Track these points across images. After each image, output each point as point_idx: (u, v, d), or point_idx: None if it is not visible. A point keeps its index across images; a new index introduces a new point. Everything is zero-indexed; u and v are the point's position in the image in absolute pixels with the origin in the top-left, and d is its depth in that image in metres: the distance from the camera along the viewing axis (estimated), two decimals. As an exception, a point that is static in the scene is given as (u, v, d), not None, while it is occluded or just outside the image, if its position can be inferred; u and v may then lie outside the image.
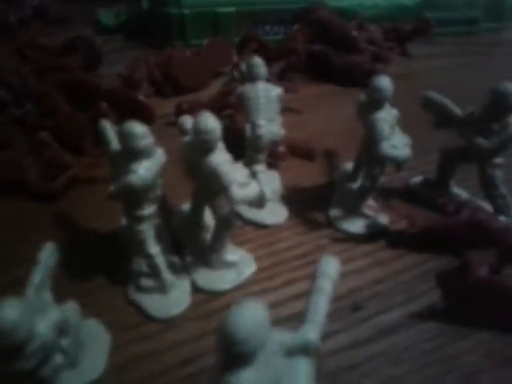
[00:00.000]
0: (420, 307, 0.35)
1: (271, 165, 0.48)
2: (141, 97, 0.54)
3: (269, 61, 0.64)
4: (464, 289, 0.33)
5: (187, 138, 0.33)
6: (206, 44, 0.64)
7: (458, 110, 0.40)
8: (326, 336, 0.32)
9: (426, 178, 0.46)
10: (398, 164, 0.38)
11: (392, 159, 0.37)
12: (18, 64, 0.59)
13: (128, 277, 0.36)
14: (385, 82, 0.36)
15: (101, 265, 0.37)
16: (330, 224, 0.42)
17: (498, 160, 0.39)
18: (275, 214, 0.43)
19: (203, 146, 0.31)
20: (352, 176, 0.45)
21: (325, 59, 0.64)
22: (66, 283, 0.35)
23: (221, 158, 0.31)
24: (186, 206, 0.41)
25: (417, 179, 0.47)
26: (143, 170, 0.30)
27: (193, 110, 0.53)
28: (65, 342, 0.26)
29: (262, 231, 0.41)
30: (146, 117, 0.53)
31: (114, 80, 0.59)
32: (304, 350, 0.23)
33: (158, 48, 0.68)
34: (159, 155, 0.32)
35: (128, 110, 0.55)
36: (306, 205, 0.44)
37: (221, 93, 0.53)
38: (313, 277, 0.27)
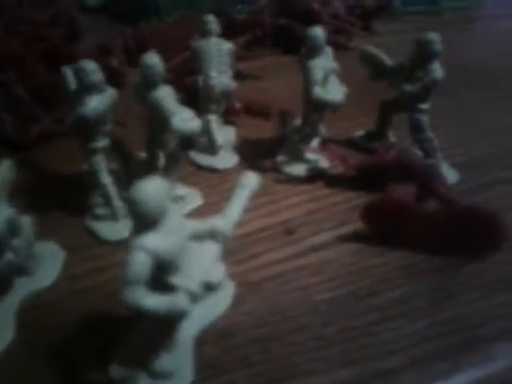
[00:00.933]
0: (346, 232, 0.39)
1: (228, 121, 0.52)
2: (113, 62, 0.58)
3: (237, 34, 0.69)
4: (384, 214, 0.37)
5: (135, 79, 0.37)
6: (177, 19, 0.68)
7: (389, 62, 0.44)
8: (257, 254, 0.37)
9: (368, 130, 0.50)
10: (332, 108, 0.42)
11: (324, 102, 0.41)
12: (6, 35, 0.63)
13: (86, 209, 0.40)
14: (318, 31, 0.40)
15: (63, 202, 0.41)
16: (276, 169, 0.46)
17: (424, 105, 0.43)
18: (226, 160, 0.47)
19: (148, 81, 0.35)
20: (300, 129, 0.49)
21: (289, 32, 0.68)
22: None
23: (164, 93, 0.36)
24: (142, 154, 0.45)
25: (359, 132, 0.51)
26: (95, 102, 0.35)
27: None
28: (16, 242, 0.31)
29: (212, 174, 0.46)
30: (118, 81, 0.57)
31: (91, 50, 0.63)
32: (212, 235, 0.27)
33: (135, 25, 0.72)
34: (110, 92, 0.36)
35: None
36: (257, 154, 0.48)
37: (183, 59, 0.57)
38: (235, 186, 0.31)
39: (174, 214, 0.24)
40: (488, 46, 0.77)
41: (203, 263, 0.26)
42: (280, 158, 0.46)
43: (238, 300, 0.33)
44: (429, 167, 0.40)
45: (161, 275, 0.24)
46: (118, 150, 0.47)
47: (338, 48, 0.68)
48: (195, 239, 0.27)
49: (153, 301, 0.23)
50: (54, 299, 0.33)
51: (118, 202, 0.38)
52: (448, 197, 0.37)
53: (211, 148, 0.46)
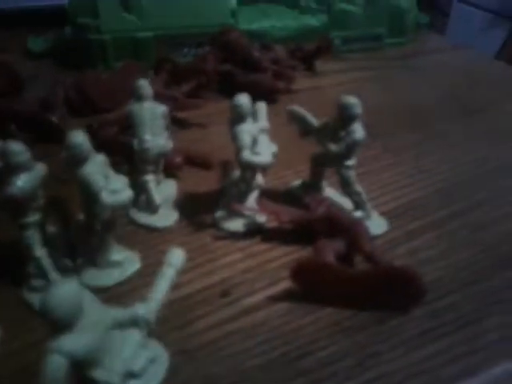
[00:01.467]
0: (278, 291, 0.41)
1: (169, 175, 0.54)
2: (53, 118, 0.58)
3: (181, 80, 0.70)
4: (312, 273, 0.39)
5: (63, 154, 0.38)
6: (120, 66, 0.69)
7: (314, 121, 0.47)
8: (193, 320, 0.38)
9: (304, 181, 0.52)
10: (261, 168, 0.44)
11: (253, 165, 0.43)
12: None
13: (22, 280, 0.40)
14: (242, 99, 0.42)
15: (-1, 271, 0.41)
16: (215, 225, 0.48)
17: (350, 162, 0.45)
18: (166, 217, 0.48)
19: (73, 159, 0.36)
20: (237, 182, 0.51)
21: (231, 78, 0.70)
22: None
23: (91, 169, 0.37)
24: (82, 215, 0.46)
25: (297, 182, 0.53)
26: (21, 182, 0.35)
27: (103, 127, 0.58)
28: None
29: (152, 234, 0.47)
30: (58, 137, 0.58)
31: (32, 104, 0.63)
32: (133, 322, 0.28)
33: (82, 72, 0.73)
34: (39, 169, 0.37)
35: (42, 131, 0.60)
36: (197, 208, 0.50)
37: (126, 111, 0.58)
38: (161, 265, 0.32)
39: (91, 308, 0.25)
40: (421, 84, 0.81)
41: (124, 353, 0.27)
42: (219, 214, 0.48)
43: (173, 370, 0.34)
44: (355, 224, 0.42)
45: (81, 371, 0.25)
46: (58, 211, 0.48)
47: (281, 92, 0.71)
48: (117, 328, 0.27)
49: None
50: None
51: (53, 274, 0.39)
52: (371, 254, 0.40)
53: (150, 207, 0.47)
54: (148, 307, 0.29)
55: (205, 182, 0.54)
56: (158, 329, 0.36)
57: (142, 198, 0.48)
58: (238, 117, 0.43)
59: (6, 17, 0.95)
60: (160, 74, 0.70)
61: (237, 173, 0.53)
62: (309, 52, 0.78)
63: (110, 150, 0.48)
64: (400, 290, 0.37)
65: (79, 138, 0.36)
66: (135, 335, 0.28)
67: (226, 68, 0.71)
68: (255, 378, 0.34)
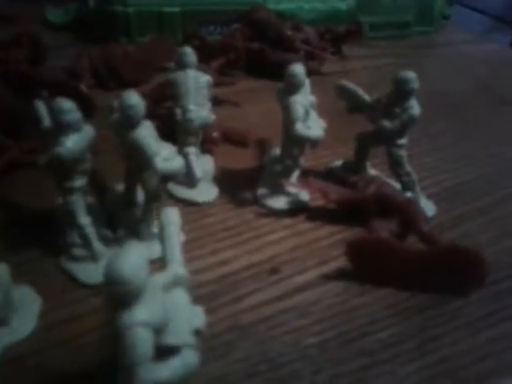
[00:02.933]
0: (330, 270, 0.39)
1: (206, 150, 0.51)
2: (82, 86, 0.56)
3: (209, 57, 0.68)
4: (367, 252, 0.37)
5: (115, 116, 0.36)
6: (148, 40, 0.67)
7: (367, 97, 0.45)
8: (242, 296, 0.36)
9: (346, 161, 0.50)
10: (313, 143, 0.42)
11: (306, 138, 0.41)
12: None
13: (62, 249, 0.38)
14: (298, 68, 0.40)
15: (36, 240, 0.39)
16: (256, 202, 0.46)
17: (402, 141, 0.43)
18: (206, 192, 0.46)
19: (128, 121, 0.34)
20: (279, 159, 0.49)
21: (262, 56, 0.68)
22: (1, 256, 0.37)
23: (145, 132, 0.34)
24: (120, 186, 0.43)
25: (338, 163, 0.51)
26: (71, 143, 0.33)
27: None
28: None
29: (192, 208, 0.44)
30: (87, 106, 0.55)
31: (58, 72, 0.60)
32: (176, 282, 0.26)
33: (103, 44, 0.70)
34: (88, 130, 0.35)
35: (69, 99, 0.57)
36: (236, 185, 0.48)
37: (159, 84, 0.56)
38: (159, 226, 0.30)
39: None
40: (451, 73, 0.80)
41: (184, 312, 0.25)
42: (261, 191, 0.46)
43: (228, 346, 0.32)
44: (409, 203, 0.41)
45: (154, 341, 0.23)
46: (94, 182, 0.45)
47: (312, 73, 0.69)
48: (164, 291, 0.25)
49: (167, 370, 0.22)
50: (30, 353, 0.31)
51: (97, 244, 0.37)
52: (429, 234, 0.38)
53: (190, 181, 0.45)
54: (180, 265, 0.27)
55: (241, 159, 0.52)
56: (208, 305, 0.35)
57: (182, 172, 0.46)
58: (291, 87, 0.41)
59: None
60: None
61: (276, 151, 0.51)
62: (339, 35, 0.76)
63: None
64: (462, 271, 0.36)
65: (135, 98, 0.34)
66: (182, 294, 0.26)
67: (256, 46, 0.69)
68: (314, 356, 0.32)
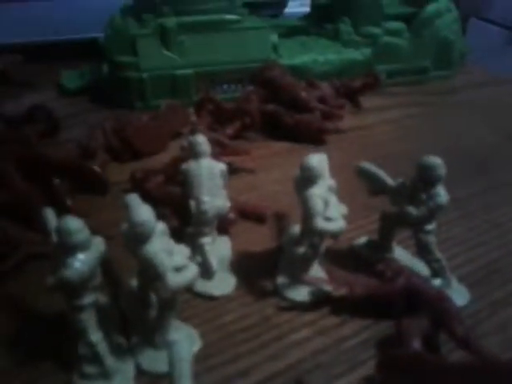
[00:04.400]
0: (360, 377, 0.36)
1: (221, 230, 0.50)
2: (94, 166, 0.55)
3: (224, 121, 0.67)
4: (401, 367, 0.34)
5: (124, 227, 0.34)
6: (162, 108, 0.66)
7: (389, 180, 0.42)
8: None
9: (370, 239, 0.47)
10: (333, 236, 0.40)
11: (326, 233, 0.39)
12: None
13: (73, 363, 0.36)
14: (314, 161, 0.38)
15: (46, 350, 0.37)
16: (276, 292, 0.43)
17: (430, 226, 0.41)
18: (223, 284, 0.43)
19: (138, 238, 0.32)
20: (299, 239, 0.46)
21: (277, 119, 0.67)
22: (8, 372, 0.36)
23: (156, 247, 0.33)
24: (134, 281, 0.42)
25: (361, 240, 0.48)
26: (79, 264, 0.31)
27: (147, 177, 0.55)
28: None
29: (209, 303, 0.42)
30: (100, 186, 0.54)
31: (71, 149, 0.60)
32: None
33: (119, 110, 0.70)
34: (97, 245, 0.33)
35: (83, 179, 0.56)
36: (255, 272, 0.45)
37: (174, 159, 0.55)
38: (169, 362, 0.28)
39: None
40: (474, 122, 0.77)
41: None
42: (280, 280, 0.44)
43: None
44: (441, 298, 0.37)
45: None
46: (107, 275, 0.44)
47: (329, 134, 0.67)
48: None
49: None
50: None
51: (109, 360, 0.35)
52: (467, 339, 0.35)
53: (206, 273, 0.43)
54: None
55: (259, 237, 0.50)
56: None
57: (197, 260, 0.44)
58: (308, 180, 0.38)
59: (37, 50, 0.93)
60: (202, 115, 0.67)
61: (294, 228, 0.49)
62: (355, 88, 0.75)
63: (156, 201, 0.45)
64: (508, 386, 0.32)
65: (145, 214, 0.32)
66: None
67: (271, 108, 0.67)
68: None
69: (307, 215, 0.39)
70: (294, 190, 0.41)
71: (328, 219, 0.39)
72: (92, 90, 0.81)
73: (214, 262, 0.43)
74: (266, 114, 0.67)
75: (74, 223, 0.31)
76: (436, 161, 0.38)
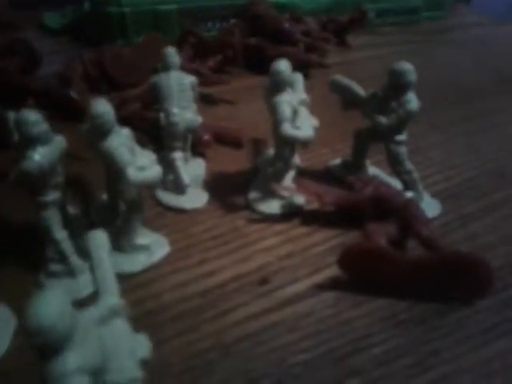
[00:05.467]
0: (323, 279, 0.36)
1: (197, 153, 0.49)
2: (72, 93, 0.55)
3: (206, 55, 0.66)
4: (363, 260, 0.34)
5: (86, 125, 0.34)
6: (142, 40, 0.65)
7: (362, 92, 0.42)
8: (228, 310, 0.34)
9: (344, 159, 0.47)
10: (302, 144, 0.39)
11: (294, 139, 0.38)
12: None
13: (40, 264, 0.37)
14: (282, 65, 0.38)
15: (13, 254, 0.38)
16: (248, 207, 0.43)
17: (401, 137, 0.40)
18: (195, 198, 0.44)
19: (98, 130, 0.32)
20: (273, 160, 0.46)
21: (260, 52, 0.66)
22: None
23: (117, 142, 0.33)
24: (104, 196, 0.42)
25: (336, 161, 0.48)
26: (38, 156, 0.31)
27: (124, 104, 0.54)
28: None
29: (180, 216, 0.43)
30: (78, 113, 0.54)
31: (50, 79, 0.59)
32: (112, 313, 0.23)
33: (99, 46, 0.69)
34: (58, 141, 0.33)
35: (61, 108, 0.56)
36: (228, 189, 0.45)
37: (150, 86, 0.54)
38: (88, 252, 0.27)
39: None
40: (463, 59, 0.76)
41: (125, 344, 0.23)
42: (252, 195, 0.44)
43: (208, 366, 0.30)
44: (408, 205, 0.38)
45: (97, 381, 0.21)
46: (77, 191, 0.44)
47: (313, 66, 0.66)
48: (99, 325, 0.23)
49: None
50: (3, 373, 0.30)
51: (74, 258, 0.35)
52: (430, 239, 0.35)
53: (178, 187, 0.43)
54: (114, 294, 0.24)
55: (235, 161, 0.50)
56: (191, 320, 0.33)
57: (170, 178, 0.44)
58: (276, 85, 0.38)
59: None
60: (184, 48, 0.66)
61: (271, 151, 0.49)
62: (341, 24, 0.73)
63: (133, 127, 0.44)
64: (465, 278, 0.33)
65: (104, 106, 0.32)
66: (123, 324, 0.24)
67: (254, 41, 0.66)
68: (300, 376, 0.30)
69: (275, 123, 0.39)
70: (264, 98, 0.40)
71: (296, 127, 0.39)
72: (74, 29, 0.79)
73: (185, 176, 0.43)
74: (248, 48, 0.66)
75: (33, 115, 0.31)
76: (407, 66, 0.38)
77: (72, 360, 0.19)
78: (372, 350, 0.31)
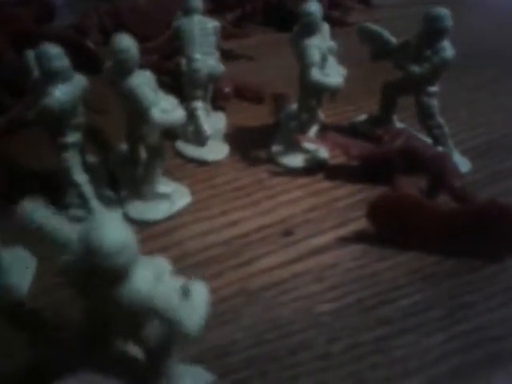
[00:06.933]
0: (349, 232, 0.35)
1: (218, 107, 0.48)
2: (88, 43, 0.53)
3: (225, 9, 0.63)
4: (392, 211, 0.33)
5: (108, 63, 0.32)
6: (160, -8, 0.63)
7: (393, 40, 0.40)
8: (252, 259, 0.33)
9: (371, 115, 0.46)
10: (331, 92, 0.38)
11: (323, 86, 0.37)
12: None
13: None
14: (314, 7, 0.36)
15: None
16: (270, 160, 0.42)
17: (433, 88, 0.39)
18: (216, 150, 0.42)
19: (121, 67, 0.31)
20: (296, 113, 0.45)
21: (280, 7, 0.63)
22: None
23: (140, 79, 0.31)
24: (125, 146, 0.41)
25: (362, 117, 0.46)
26: (59, 93, 0.30)
27: (141, 56, 0.52)
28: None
29: (201, 167, 0.41)
30: (95, 64, 0.52)
31: (64, 30, 0.58)
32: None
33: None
34: (79, 79, 0.32)
35: (77, 57, 0.54)
36: (249, 143, 0.44)
37: (169, 38, 0.53)
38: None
39: None
40: (487, 21, 0.73)
41: None
42: (275, 148, 0.42)
43: (234, 313, 0.29)
44: (440, 157, 0.36)
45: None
46: (96, 141, 0.43)
47: (335, 24, 0.63)
48: None
49: None
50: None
51: (94, 203, 0.34)
52: (463, 191, 0.34)
53: (199, 138, 0.42)
54: None
55: (256, 116, 0.49)
56: (215, 268, 0.32)
57: (190, 129, 0.42)
58: (307, 28, 0.36)
59: None
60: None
61: (294, 106, 0.47)
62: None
63: None
64: (499, 232, 0.31)
65: (128, 41, 0.30)
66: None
67: (275, -4, 0.64)
68: (328, 324, 0.29)
69: (303, 68, 0.37)
70: (290, 43, 0.39)
71: (325, 74, 0.37)
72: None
73: (206, 126, 0.42)
74: (268, 3, 0.63)
75: (54, 49, 0.30)
76: (443, 10, 0.36)
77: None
78: (400, 301, 0.30)
